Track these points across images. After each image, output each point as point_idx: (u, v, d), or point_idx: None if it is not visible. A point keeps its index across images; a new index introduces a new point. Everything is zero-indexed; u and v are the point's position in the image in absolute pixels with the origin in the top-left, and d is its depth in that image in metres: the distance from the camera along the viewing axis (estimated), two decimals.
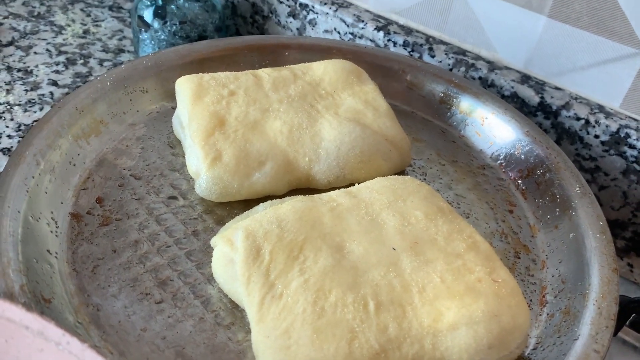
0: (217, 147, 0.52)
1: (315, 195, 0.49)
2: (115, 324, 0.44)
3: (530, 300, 0.50)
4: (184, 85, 0.57)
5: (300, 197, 0.49)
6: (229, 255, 0.45)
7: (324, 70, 0.61)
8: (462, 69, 0.74)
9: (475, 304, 0.41)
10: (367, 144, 0.55)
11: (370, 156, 0.56)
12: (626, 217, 0.70)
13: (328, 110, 0.57)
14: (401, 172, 0.60)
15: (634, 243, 0.70)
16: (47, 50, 0.88)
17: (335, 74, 0.61)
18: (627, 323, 0.59)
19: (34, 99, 0.78)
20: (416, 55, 0.77)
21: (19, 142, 0.66)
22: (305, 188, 0.56)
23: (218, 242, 0.46)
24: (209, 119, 0.54)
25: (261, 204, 0.51)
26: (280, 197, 0.54)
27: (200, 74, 0.58)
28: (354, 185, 0.56)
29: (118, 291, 0.46)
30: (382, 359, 0.39)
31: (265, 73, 0.60)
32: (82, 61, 0.87)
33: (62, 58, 0.87)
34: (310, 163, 0.54)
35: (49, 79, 0.82)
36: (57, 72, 0.84)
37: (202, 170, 0.52)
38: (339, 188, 0.56)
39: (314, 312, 0.40)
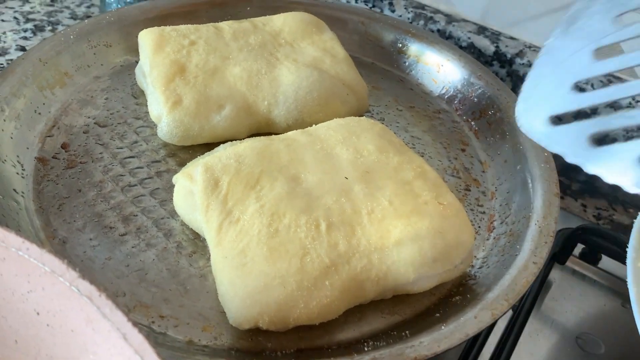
0: (177, 92, 0.54)
1: (273, 136, 0.52)
2: (81, 254, 0.46)
3: (479, 227, 0.53)
4: (146, 37, 0.59)
5: (258, 137, 0.51)
6: (189, 187, 0.47)
7: (283, 21, 0.63)
8: (422, 22, 0.76)
9: (421, 222, 0.44)
10: (324, 88, 0.57)
11: (328, 99, 0.58)
12: None
13: (287, 57, 0.59)
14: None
15: (588, 185, 0.73)
16: (15, 18, 0.89)
17: (295, 24, 0.63)
18: (577, 255, 0.63)
19: (2, 64, 0.79)
20: (377, 10, 0.79)
21: None
22: (266, 133, 0.58)
23: (179, 178, 0.48)
24: (170, 66, 0.55)
25: (221, 145, 0.53)
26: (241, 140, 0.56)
27: (162, 26, 0.60)
28: None
29: (83, 226, 0.48)
30: (332, 272, 0.41)
31: (226, 25, 0.62)
32: (50, 28, 0.88)
33: (29, 25, 0.88)
34: (270, 107, 0.56)
35: (17, 45, 0.83)
36: (25, 38, 0.85)
37: (163, 114, 0.53)
38: None
39: (269, 232, 0.42)
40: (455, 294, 0.46)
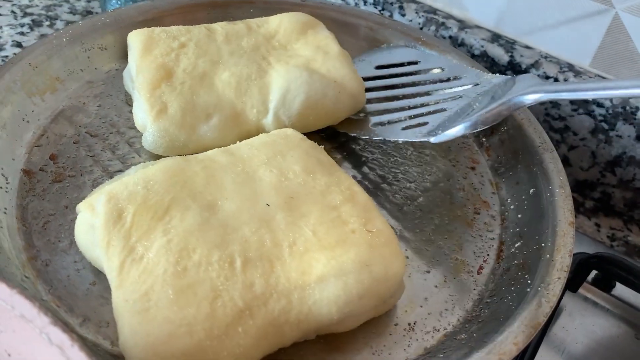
0: (162, 99, 0.51)
1: (190, 155, 0.47)
2: (64, 279, 0.43)
3: (488, 255, 0.50)
4: (135, 39, 0.56)
5: (172, 158, 0.47)
6: (90, 220, 0.42)
7: (279, 22, 0.60)
8: (433, 27, 0.73)
9: (346, 254, 0.40)
10: (313, 89, 0.54)
11: (318, 101, 0.54)
12: (595, 178, 0.70)
13: (279, 61, 0.56)
14: (356, 114, 0.58)
15: (602, 203, 0.70)
16: (12, 12, 0.86)
17: (290, 25, 0.60)
18: (590, 280, 0.60)
19: None
20: (387, 14, 0.75)
21: None
22: None
23: (80, 209, 0.43)
24: (156, 71, 0.52)
25: (133, 166, 0.49)
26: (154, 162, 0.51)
27: (152, 27, 0.57)
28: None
29: (68, 246, 0.45)
30: (246, 316, 0.37)
31: (219, 26, 0.59)
32: (48, 23, 0.85)
33: (27, 20, 0.85)
34: (259, 115, 0.53)
35: (13, 41, 0.80)
36: (21, 33, 0.82)
37: (147, 123, 0.50)
38: None
39: (176, 272, 0.38)
40: (460, 331, 0.43)
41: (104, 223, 0.40)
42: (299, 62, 0.56)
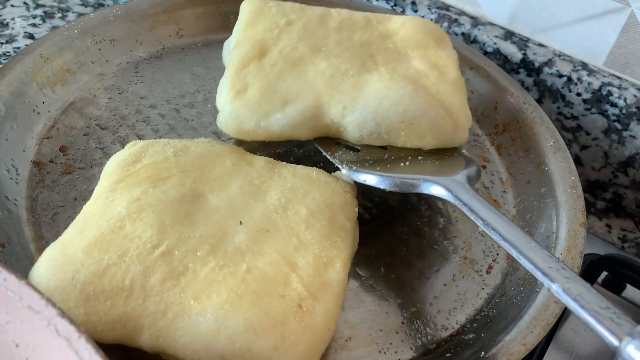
0: (246, 79, 0.48)
1: (243, 152, 0.47)
2: None
3: (497, 254, 0.49)
4: (244, 8, 0.55)
5: (234, 147, 0.47)
6: (121, 153, 0.45)
7: (401, 24, 0.55)
8: (445, 24, 0.72)
9: (245, 310, 0.35)
10: (414, 104, 0.47)
11: (415, 118, 0.48)
12: (607, 178, 0.69)
13: (386, 64, 0.50)
14: (453, 149, 0.51)
15: (614, 204, 0.70)
16: (25, 3, 0.86)
17: (413, 30, 0.54)
18: (600, 281, 0.59)
19: (9, 52, 0.76)
20: (399, 9, 0.75)
21: None
22: (335, 139, 0.50)
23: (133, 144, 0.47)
24: (251, 47, 0.50)
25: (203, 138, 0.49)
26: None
27: None
28: (389, 147, 0.50)
29: None
30: (123, 296, 0.36)
31: (336, 12, 0.55)
32: (60, 15, 0.85)
33: (39, 11, 0.85)
34: (344, 111, 0.48)
35: (25, 32, 0.80)
36: (34, 25, 0.82)
37: (225, 102, 0.48)
38: (373, 147, 0.50)
39: (113, 224, 0.38)
40: (468, 330, 0.43)
41: (121, 160, 0.43)
42: (408, 73, 0.50)
